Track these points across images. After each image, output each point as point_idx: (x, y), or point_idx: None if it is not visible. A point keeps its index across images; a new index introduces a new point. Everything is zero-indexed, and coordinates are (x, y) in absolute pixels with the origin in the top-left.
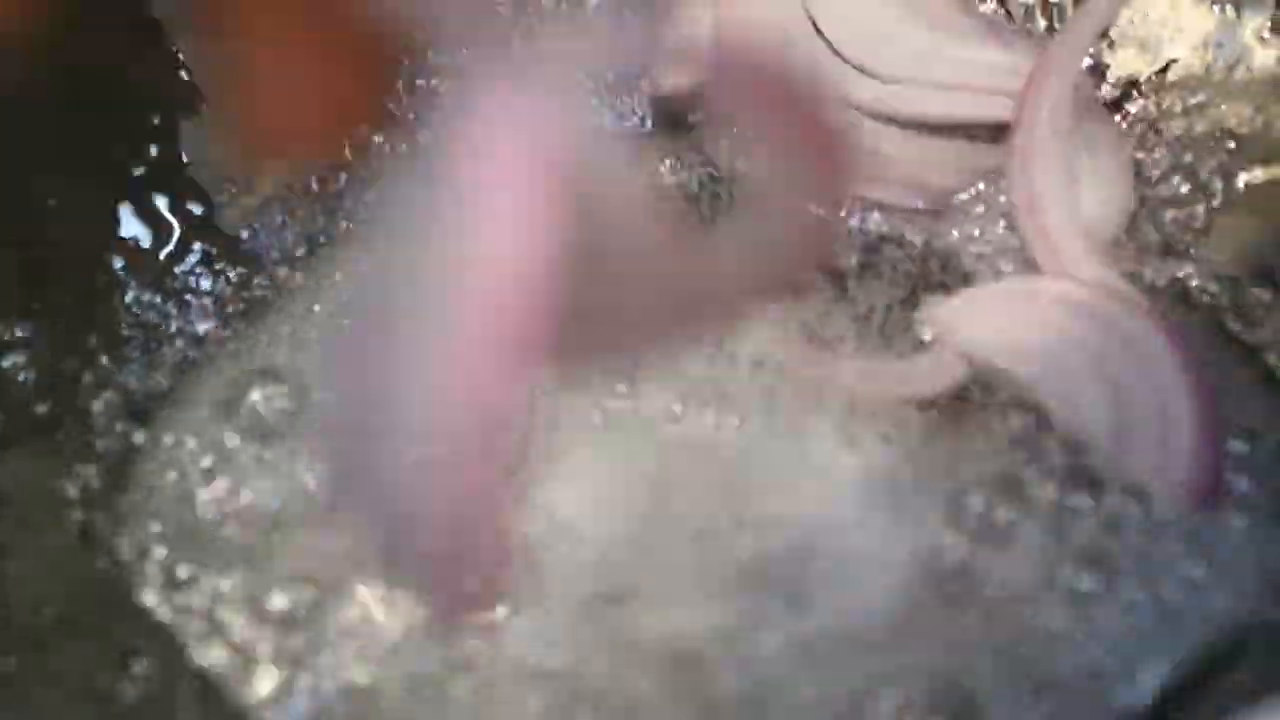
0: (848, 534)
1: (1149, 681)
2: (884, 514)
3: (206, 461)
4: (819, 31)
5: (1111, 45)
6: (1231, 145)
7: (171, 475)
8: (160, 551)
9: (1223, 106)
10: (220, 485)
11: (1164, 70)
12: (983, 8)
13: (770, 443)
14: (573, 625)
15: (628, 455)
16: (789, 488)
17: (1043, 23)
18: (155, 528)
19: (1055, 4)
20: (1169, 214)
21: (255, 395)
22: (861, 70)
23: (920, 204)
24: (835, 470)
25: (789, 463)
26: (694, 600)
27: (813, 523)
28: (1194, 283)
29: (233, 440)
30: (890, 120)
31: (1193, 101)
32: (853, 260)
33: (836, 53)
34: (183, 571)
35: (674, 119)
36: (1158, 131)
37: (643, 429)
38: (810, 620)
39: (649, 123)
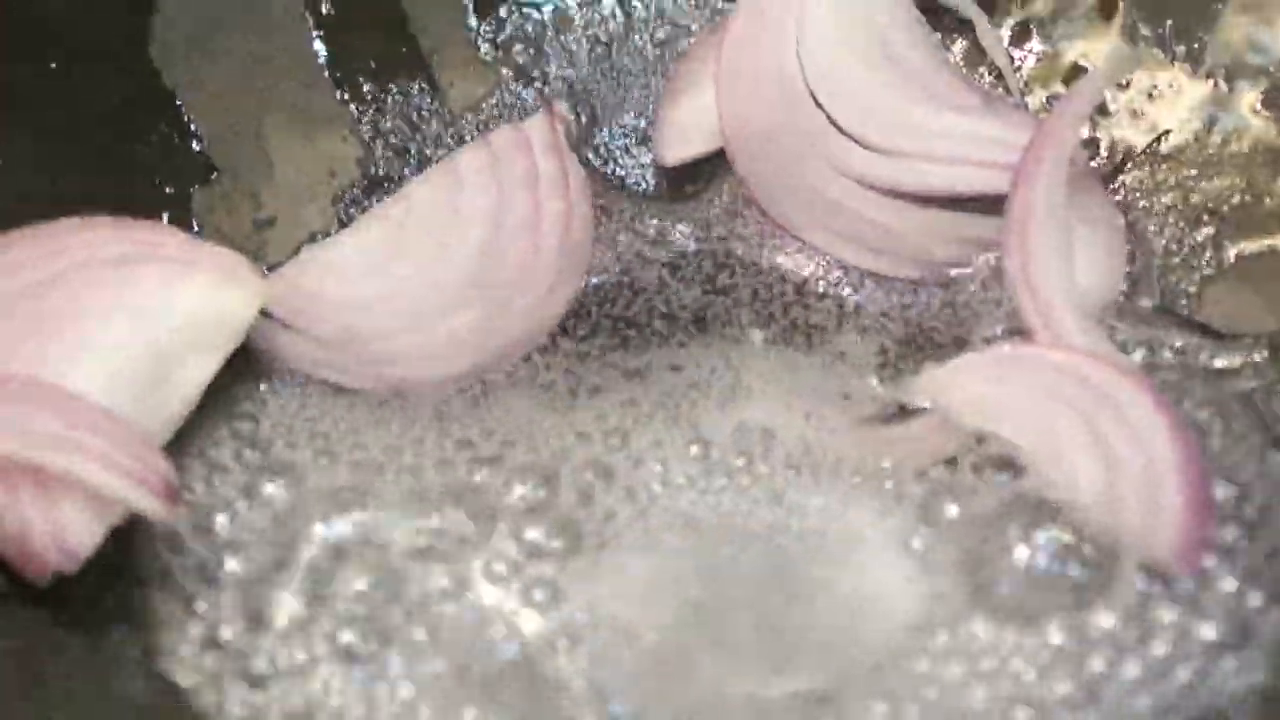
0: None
1: None
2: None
3: None
4: (819, 105)
5: (1107, 118)
6: (1223, 215)
7: None
8: None
9: (1215, 178)
10: None
11: (1157, 142)
12: (980, 82)
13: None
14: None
15: (664, 542)
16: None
17: (1040, 96)
18: None
19: (1049, 79)
20: (1161, 283)
21: None
22: (862, 144)
23: (919, 274)
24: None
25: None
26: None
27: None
28: (1184, 349)
29: None
30: (891, 192)
31: (1186, 173)
32: (850, 329)
33: (837, 126)
34: None
35: (676, 187)
36: (1151, 202)
37: (674, 511)
38: None
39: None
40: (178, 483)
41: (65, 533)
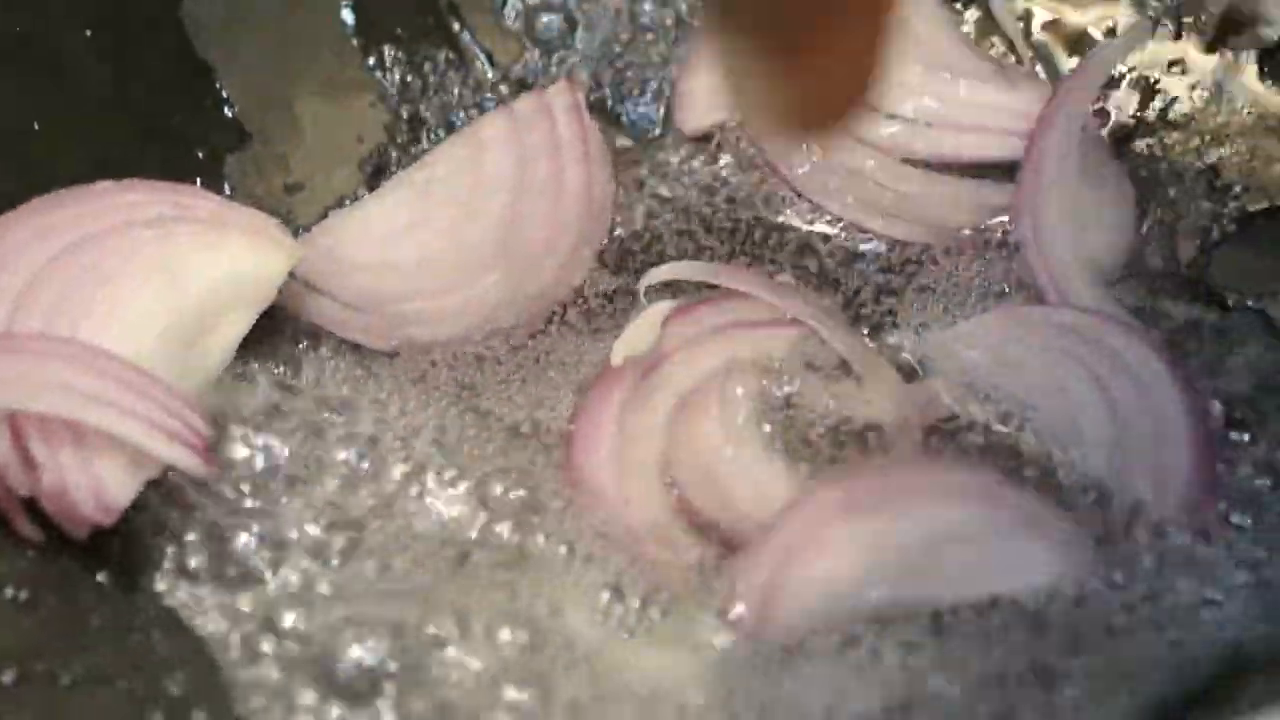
0: None
1: (1153, 694)
2: None
3: None
4: None
5: (1116, 87)
6: (1230, 181)
7: None
8: None
9: (1222, 145)
10: None
11: (1165, 111)
12: (991, 52)
13: None
14: None
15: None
16: None
17: (1050, 66)
18: None
19: (1059, 49)
20: (1169, 246)
21: None
22: (880, 111)
23: (933, 239)
24: None
25: None
26: None
27: None
28: (1192, 310)
29: None
30: (907, 160)
31: (1193, 141)
32: (864, 290)
33: None
34: None
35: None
36: (1159, 169)
37: None
38: None
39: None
40: (212, 440)
41: (103, 487)
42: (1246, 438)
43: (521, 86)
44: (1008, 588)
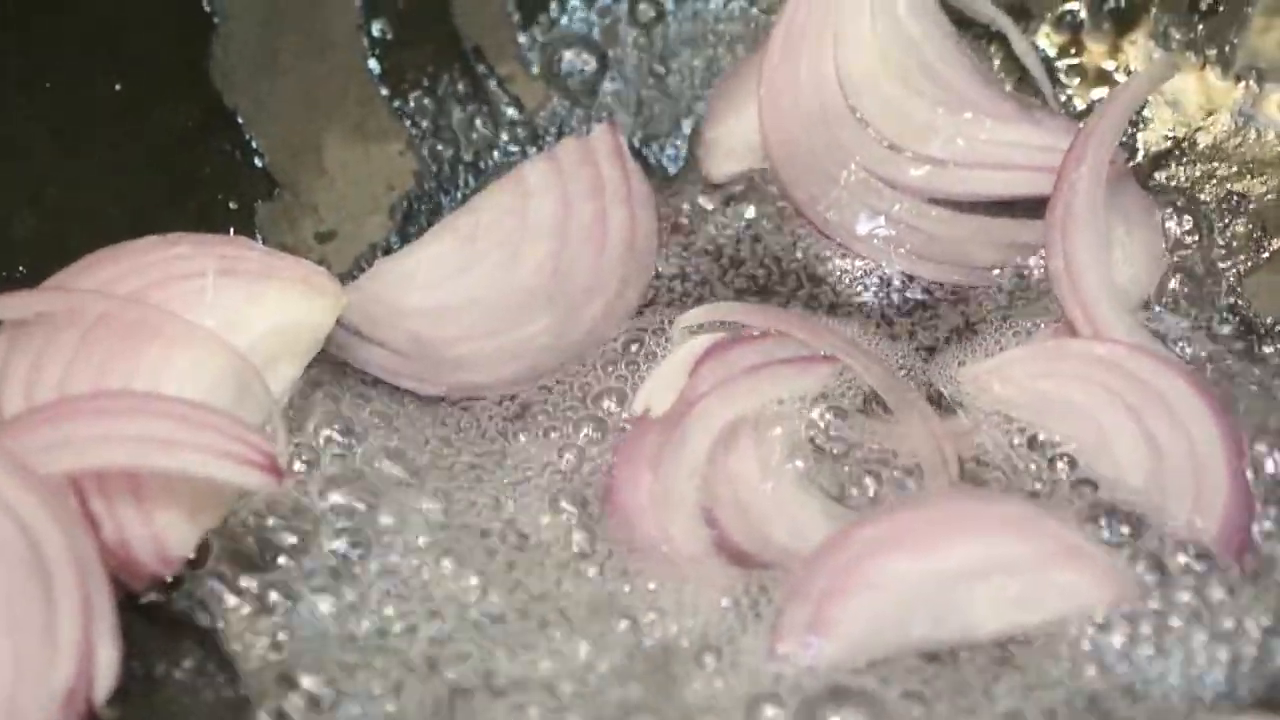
0: None
1: None
2: None
3: None
4: (859, 119)
5: (1143, 120)
6: (1259, 210)
7: None
8: None
9: (1248, 175)
10: None
11: (1192, 142)
12: (1014, 91)
13: None
14: None
15: None
16: None
17: (1074, 102)
18: None
19: (1077, 85)
20: (1200, 276)
21: None
22: (906, 154)
23: (965, 278)
24: None
25: None
26: None
27: None
28: (1225, 339)
29: None
30: (936, 200)
31: (1219, 171)
32: (896, 328)
33: (881, 139)
34: None
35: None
36: (1187, 199)
37: None
38: None
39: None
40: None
41: (164, 541)
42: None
43: (548, 130)
44: (1049, 618)
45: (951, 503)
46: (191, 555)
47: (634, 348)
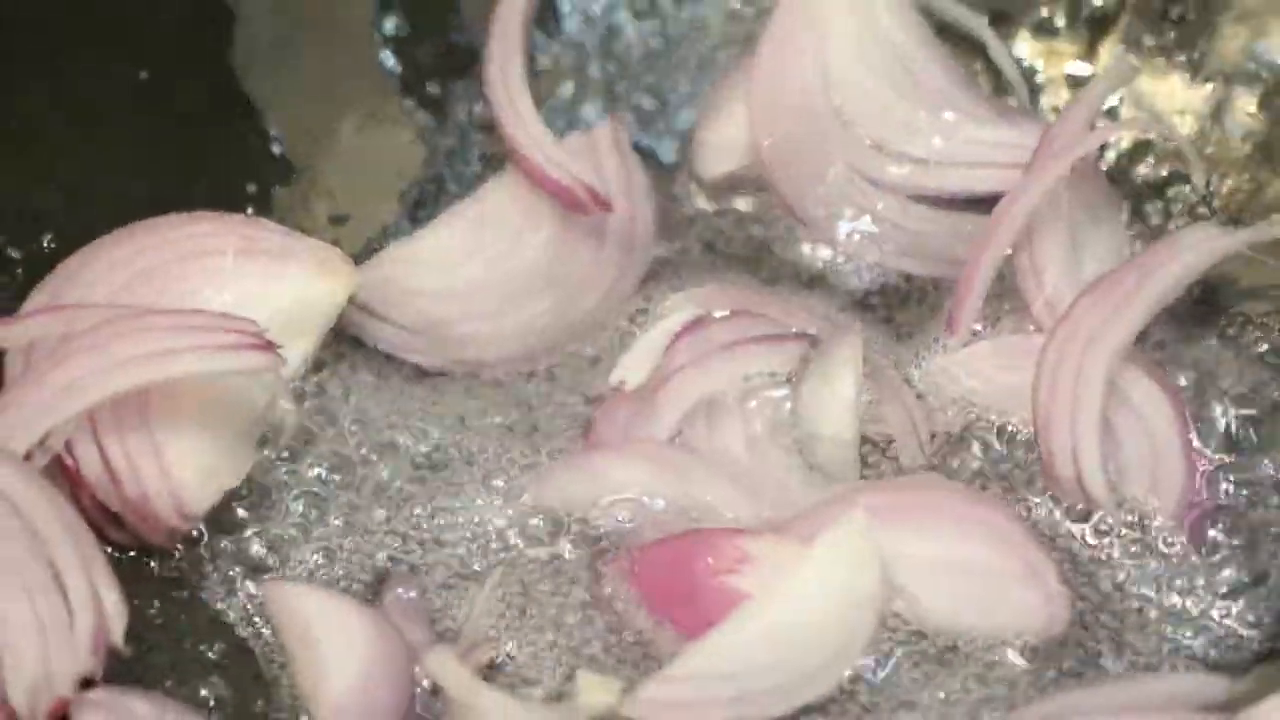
0: None
1: None
2: None
3: None
4: (845, 120)
5: (1112, 120)
6: (1226, 206)
7: None
8: None
9: (1215, 173)
10: None
11: (1160, 142)
12: (990, 93)
13: None
14: None
15: None
16: None
17: (1048, 104)
18: None
19: (1052, 89)
20: None
21: None
22: (886, 152)
23: (943, 272)
24: None
25: None
26: None
27: None
28: (1181, 331)
29: None
30: (918, 198)
31: (1187, 169)
32: (873, 318)
33: (864, 139)
34: None
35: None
36: (1155, 197)
37: None
38: None
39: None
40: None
41: (182, 497)
42: (1230, 455)
43: (552, 124)
44: (994, 627)
45: (926, 489)
46: (206, 510)
47: (628, 329)
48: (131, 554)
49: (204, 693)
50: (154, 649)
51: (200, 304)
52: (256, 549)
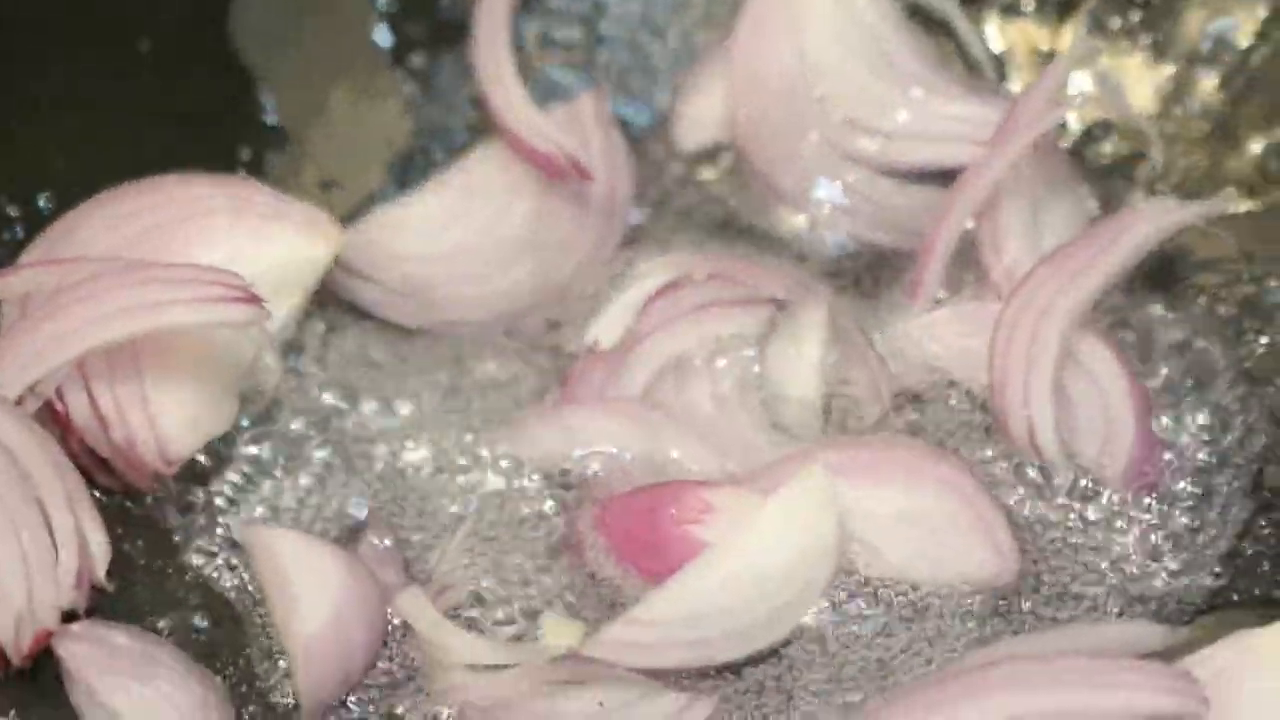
0: None
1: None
2: None
3: None
4: (819, 95)
5: (1076, 99)
6: (1185, 183)
7: None
8: None
9: (1173, 150)
10: None
11: (1122, 120)
12: (960, 72)
13: None
14: None
15: None
16: None
17: (1014, 83)
18: None
19: (1020, 68)
20: None
21: None
22: (858, 127)
23: (911, 243)
24: None
25: None
26: None
27: None
28: (1137, 300)
29: None
30: (889, 171)
31: (1147, 146)
32: (843, 282)
33: (837, 114)
34: None
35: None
36: (1117, 173)
37: None
38: None
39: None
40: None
41: (168, 444)
42: (1173, 419)
43: (536, 97)
44: (947, 577)
45: (890, 447)
46: (188, 456)
47: (605, 292)
48: (117, 497)
49: (183, 626)
50: (136, 586)
51: (192, 260)
52: (236, 495)
